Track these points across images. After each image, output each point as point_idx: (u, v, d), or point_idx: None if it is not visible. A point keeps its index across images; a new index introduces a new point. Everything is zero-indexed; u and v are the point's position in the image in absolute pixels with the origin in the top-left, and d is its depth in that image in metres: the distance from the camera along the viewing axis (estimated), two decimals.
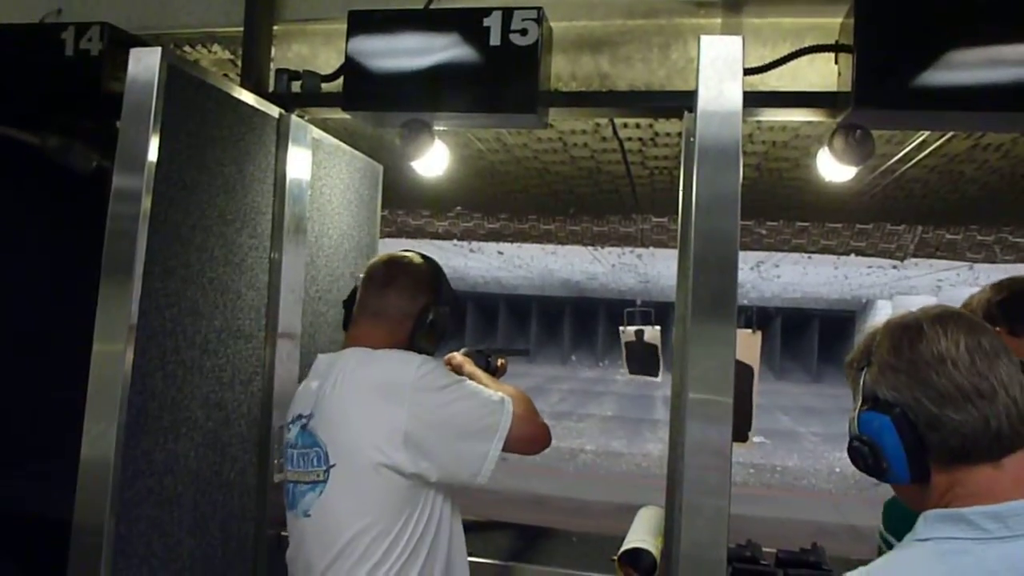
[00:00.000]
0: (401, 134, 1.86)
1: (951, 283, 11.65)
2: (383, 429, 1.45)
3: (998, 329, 1.59)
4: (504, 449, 1.50)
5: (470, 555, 1.69)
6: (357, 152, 2.55)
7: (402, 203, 4.85)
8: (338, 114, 2.03)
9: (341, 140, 2.44)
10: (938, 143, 2.97)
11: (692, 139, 1.86)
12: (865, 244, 6.45)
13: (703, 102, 1.45)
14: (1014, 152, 3.05)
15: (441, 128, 1.93)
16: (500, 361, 1.96)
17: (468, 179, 3.83)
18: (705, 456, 1.39)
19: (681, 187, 1.82)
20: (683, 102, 1.93)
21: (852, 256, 7.12)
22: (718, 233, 1.45)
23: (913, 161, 3.26)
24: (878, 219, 5.60)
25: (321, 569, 1.50)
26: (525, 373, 22.54)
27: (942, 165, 3.34)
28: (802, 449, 11.76)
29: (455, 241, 6.81)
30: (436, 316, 1.63)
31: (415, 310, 1.62)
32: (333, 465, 1.48)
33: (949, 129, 2.44)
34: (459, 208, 5.04)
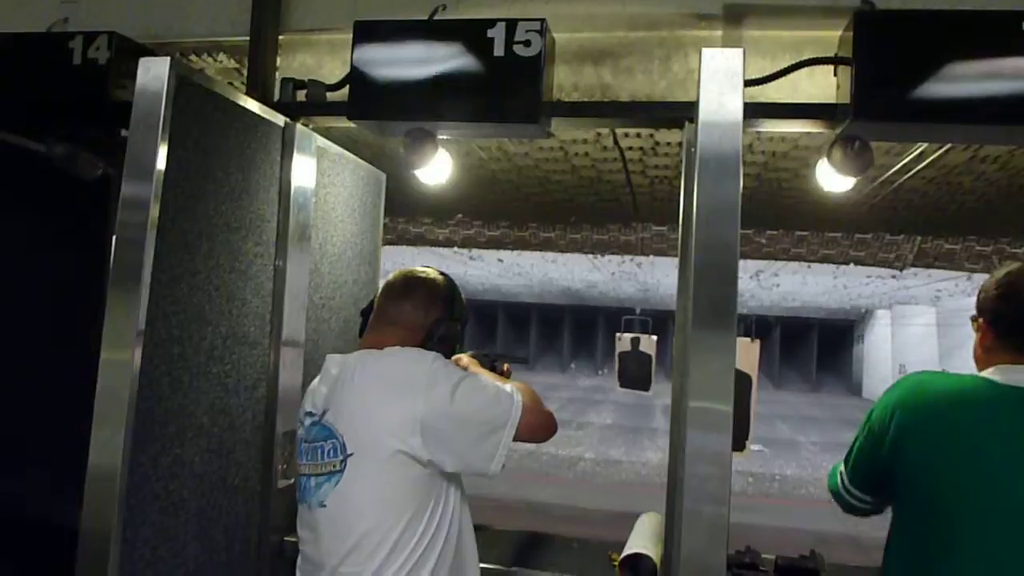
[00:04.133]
0: (405, 143, 1.88)
1: (949, 293, 11.69)
2: (400, 418, 1.49)
3: (981, 320, 1.58)
4: (515, 438, 1.55)
5: None
6: (361, 160, 2.57)
7: (403, 211, 4.87)
8: (343, 123, 2.06)
9: (345, 148, 2.46)
10: (936, 155, 2.99)
11: (693, 149, 1.88)
12: (864, 254, 6.47)
13: (704, 113, 1.47)
14: (1011, 164, 3.08)
15: (444, 137, 1.95)
16: (505, 366, 1.99)
17: (469, 187, 3.85)
18: (705, 463, 1.40)
19: (682, 196, 1.84)
20: (684, 113, 1.95)
21: (851, 266, 7.15)
22: (718, 242, 1.47)
23: (911, 172, 3.28)
24: (877, 229, 5.62)
25: (339, 558, 1.52)
26: (524, 381, 22.52)
27: (940, 176, 3.36)
28: (800, 458, 11.77)
29: (455, 249, 6.83)
30: (447, 329, 1.69)
31: (428, 321, 1.67)
32: (351, 454, 1.52)
33: (947, 141, 2.46)
34: (460, 216, 5.06)
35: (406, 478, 1.50)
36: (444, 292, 1.72)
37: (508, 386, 1.63)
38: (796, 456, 11.91)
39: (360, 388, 1.56)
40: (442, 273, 1.77)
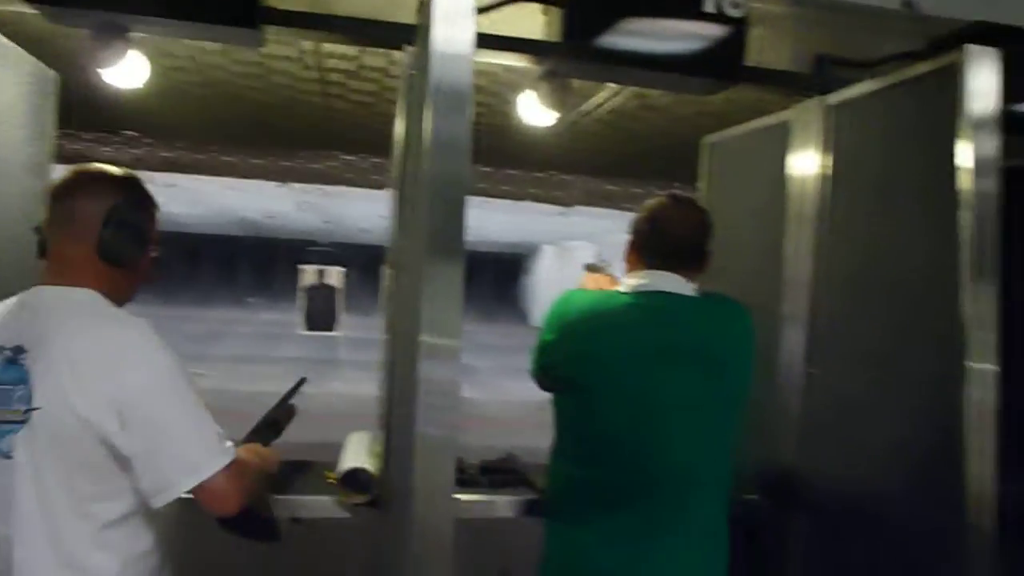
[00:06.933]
0: (91, 36, 1.60)
1: (607, 230, 13.12)
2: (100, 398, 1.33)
3: (631, 238, 1.88)
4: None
5: None
6: (27, 54, 2.15)
7: (61, 124, 4.21)
8: (14, 6, 1.69)
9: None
10: (612, 100, 3.29)
11: (413, 73, 1.86)
12: (539, 191, 6.96)
13: (437, 41, 1.45)
14: (672, 113, 3.50)
15: (138, 35, 1.70)
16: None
17: (144, 100, 3.43)
18: (438, 394, 1.44)
19: (404, 127, 1.82)
20: (402, 35, 1.92)
21: (527, 202, 7.69)
22: (449, 177, 1.47)
23: (590, 116, 3.58)
24: (551, 168, 6.04)
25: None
26: (197, 318, 21.15)
27: (613, 121, 3.71)
28: (480, 383, 12.62)
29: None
30: (128, 216, 1.47)
31: (103, 208, 1.44)
32: (37, 408, 1.33)
33: (636, 84, 2.70)
34: (129, 133, 4.51)
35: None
36: (118, 178, 1.50)
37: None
38: (476, 380, 12.74)
39: (62, 347, 1.36)
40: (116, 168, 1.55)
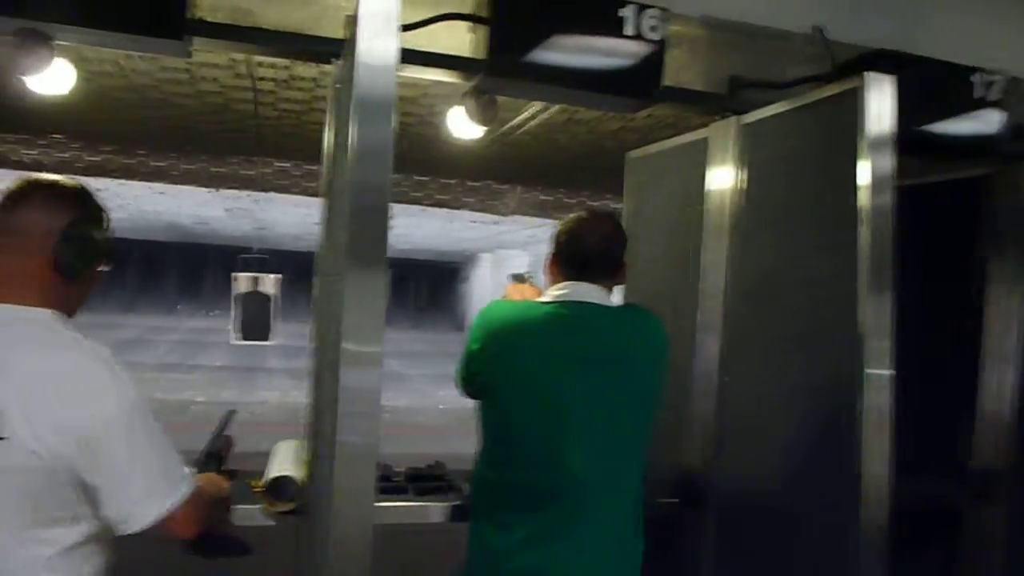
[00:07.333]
0: (13, 44, 1.58)
1: (539, 239, 13.26)
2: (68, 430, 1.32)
3: (551, 252, 1.97)
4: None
5: None
6: None
7: None
8: None
9: None
10: (541, 114, 3.37)
11: (339, 86, 1.89)
12: (474, 200, 7.01)
13: (361, 54, 1.49)
14: (597, 128, 3.59)
15: (62, 43, 1.68)
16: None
17: (71, 104, 3.35)
18: (358, 401, 1.47)
19: (331, 137, 1.85)
20: (330, 48, 1.95)
21: (462, 211, 7.73)
22: (372, 184, 1.49)
23: (521, 129, 3.65)
24: (486, 178, 6.09)
25: None
26: (122, 324, 20.49)
27: (543, 134, 3.79)
28: (411, 390, 12.58)
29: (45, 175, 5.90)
30: (85, 231, 1.43)
31: (58, 225, 1.40)
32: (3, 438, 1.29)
33: (559, 102, 2.77)
34: (55, 136, 4.38)
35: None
36: (72, 190, 1.45)
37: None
38: (407, 388, 12.69)
39: (27, 375, 1.32)
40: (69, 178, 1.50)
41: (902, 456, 1.87)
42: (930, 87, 2.34)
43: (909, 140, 2.08)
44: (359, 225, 1.48)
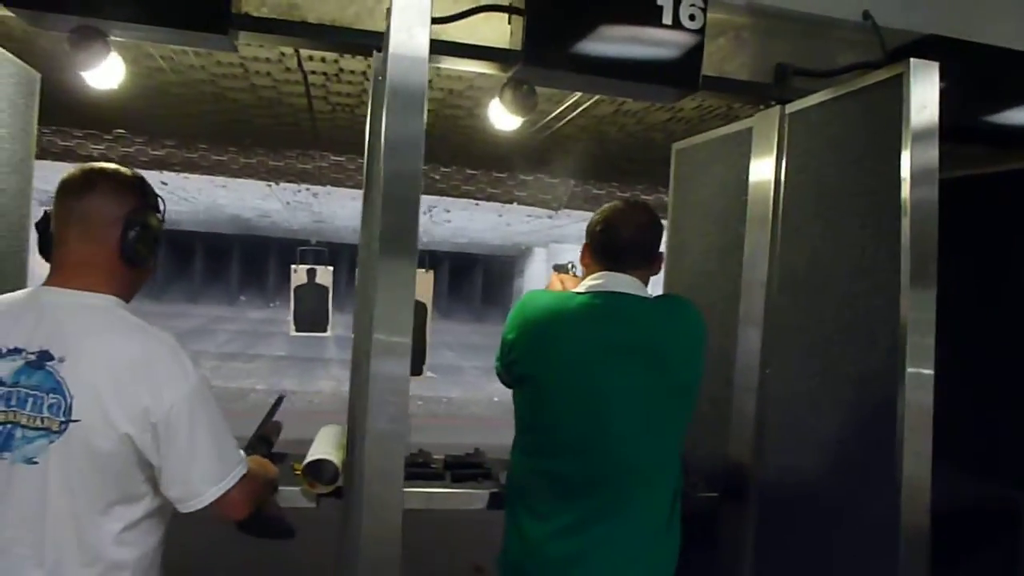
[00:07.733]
0: (70, 40, 1.65)
1: None
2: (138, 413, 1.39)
3: (586, 242, 1.96)
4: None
5: None
6: (10, 55, 2.20)
7: (52, 120, 4.25)
8: None
9: None
10: (587, 104, 3.36)
11: (380, 79, 1.93)
12: (525, 194, 7.01)
13: (393, 46, 1.51)
14: (646, 119, 3.56)
15: (117, 39, 1.75)
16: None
17: (132, 99, 3.48)
18: (387, 391, 1.50)
19: (368, 127, 1.88)
20: (373, 41, 1.98)
21: (514, 205, 7.74)
22: (403, 175, 1.52)
23: (566, 120, 3.65)
24: (537, 172, 6.08)
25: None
26: (187, 314, 21.13)
27: (591, 126, 3.78)
28: (465, 382, 12.67)
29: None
30: (147, 219, 1.49)
31: (123, 212, 1.46)
32: (77, 420, 1.36)
33: (597, 92, 2.77)
34: (119, 131, 4.55)
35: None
36: (133, 180, 1.50)
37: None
38: (462, 380, 12.79)
39: (98, 358, 1.39)
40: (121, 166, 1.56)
41: (959, 456, 1.82)
42: (984, 74, 2.26)
43: (961, 128, 2.01)
44: (391, 215, 1.50)
